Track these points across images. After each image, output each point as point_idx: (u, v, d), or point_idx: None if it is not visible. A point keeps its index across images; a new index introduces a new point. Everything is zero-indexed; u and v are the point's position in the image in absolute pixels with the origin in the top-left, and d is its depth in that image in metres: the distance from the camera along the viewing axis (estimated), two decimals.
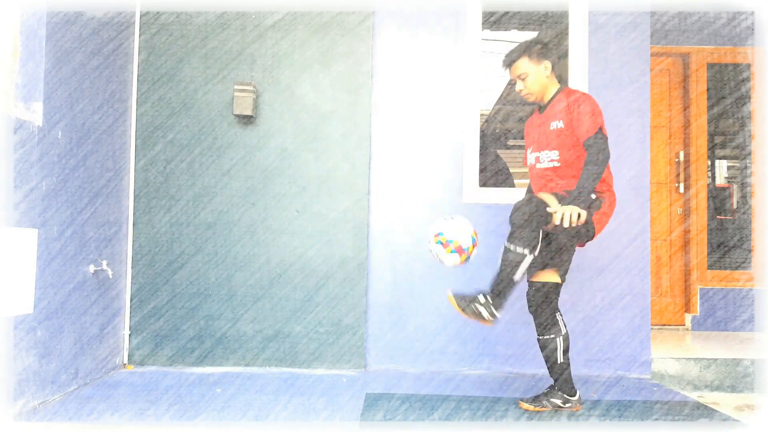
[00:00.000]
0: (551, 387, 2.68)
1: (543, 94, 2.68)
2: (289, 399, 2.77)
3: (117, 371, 3.25)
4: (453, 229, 2.54)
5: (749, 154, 4.68)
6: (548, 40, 2.64)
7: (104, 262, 3.07)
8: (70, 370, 2.78)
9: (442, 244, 2.53)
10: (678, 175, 4.59)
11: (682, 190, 4.57)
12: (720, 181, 4.89)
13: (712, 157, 4.73)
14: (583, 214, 2.34)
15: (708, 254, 4.54)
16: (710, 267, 4.56)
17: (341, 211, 3.43)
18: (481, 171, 4.21)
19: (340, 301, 3.40)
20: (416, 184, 3.49)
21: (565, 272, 2.68)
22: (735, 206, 4.80)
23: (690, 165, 4.56)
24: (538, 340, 2.66)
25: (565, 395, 2.63)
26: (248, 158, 3.43)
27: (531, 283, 2.68)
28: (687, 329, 4.48)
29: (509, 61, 2.67)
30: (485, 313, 2.45)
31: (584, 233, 2.51)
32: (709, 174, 4.67)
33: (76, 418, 2.40)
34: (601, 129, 2.48)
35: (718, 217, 4.72)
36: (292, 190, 3.43)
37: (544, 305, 2.63)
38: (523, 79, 2.65)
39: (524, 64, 2.64)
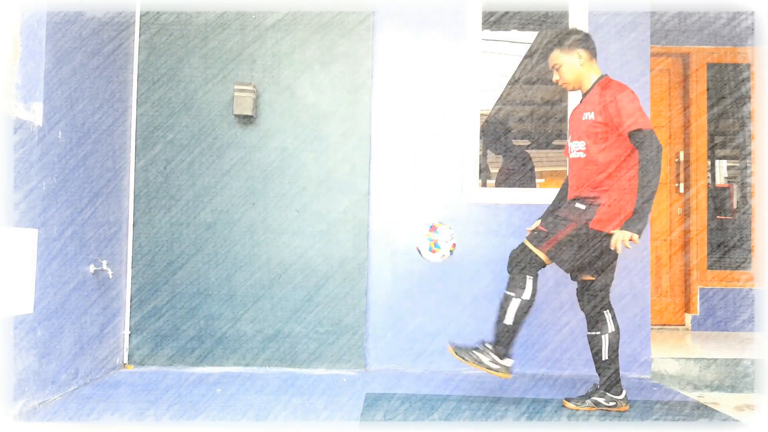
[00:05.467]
0: (595, 386, 2.73)
1: (580, 83, 2.68)
2: (289, 399, 2.77)
3: (117, 371, 3.25)
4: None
5: (749, 154, 4.68)
6: (583, 30, 2.72)
7: (104, 262, 3.06)
8: (70, 370, 2.78)
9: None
10: (678, 175, 4.59)
11: (682, 190, 4.57)
12: (720, 181, 4.89)
13: (712, 157, 4.73)
14: (636, 237, 2.41)
15: (708, 254, 4.55)
16: (710, 267, 4.56)
17: (341, 211, 3.43)
18: (511, 173, 4.26)
19: (340, 301, 3.40)
20: (416, 184, 3.49)
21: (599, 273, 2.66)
22: (735, 206, 4.80)
23: (690, 165, 4.56)
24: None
25: (608, 394, 2.66)
26: (248, 158, 3.43)
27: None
28: (687, 329, 4.48)
29: (546, 53, 2.74)
30: (486, 360, 2.61)
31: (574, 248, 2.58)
32: (709, 174, 4.67)
33: (76, 418, 2.40)
34: (647, 125, 2.45)
35: (718, 217, 4.72)
36: (292, 190, 3.43)
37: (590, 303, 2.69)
38: (557, 70, 2.68)
39: (556, 55, 2.66)
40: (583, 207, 2.56)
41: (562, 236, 2.55)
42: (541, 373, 3.37)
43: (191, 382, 3.04)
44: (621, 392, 2.66)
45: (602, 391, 2.66)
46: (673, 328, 4.50)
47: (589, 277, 2.67)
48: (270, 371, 3.33)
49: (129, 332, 3.37)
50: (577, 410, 2.64)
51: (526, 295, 2.58)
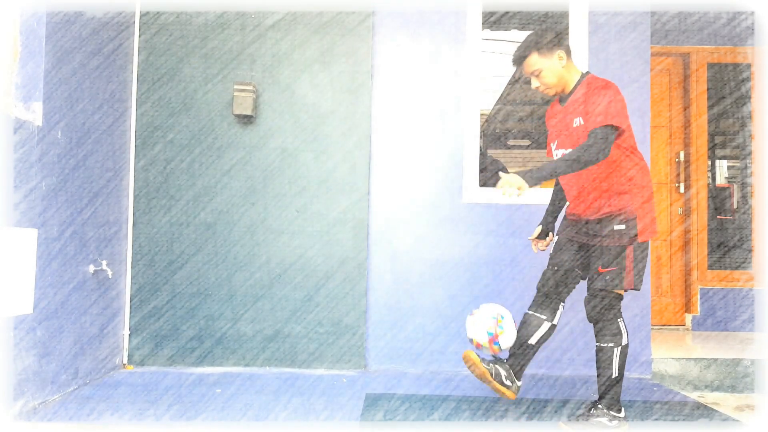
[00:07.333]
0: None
1: (563, 85, 2.48)
2: (289, 399, 2.77)
3: (117, 371, 3.25)
4: (471, 324, 2.60)
5: (749, 154, 4.68)
6: (557, 29, 2.51)
7: (104, 262, 3.06)
8: (70, 370, 2.78)
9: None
10: (678, 175, 4.59)
11: (682, 190, 4.57)
12: (720, 181, 4.89)
13: (712, 157, 4.73)
14: (524, 187, 2.21)
15: (708, 254, 4.54)
16: (710, 267, 4.56)
17: (341, 211, 3.43)
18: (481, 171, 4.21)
19: (340, 301, 3.40)
20: (416, 184, 3.49)
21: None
22: (735, 206, 4.79)
23: (690, 165, 4.56)
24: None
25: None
26: (248, 158, 3.43)
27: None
28: (687, 329, 4.48)
29: (519, 59, 2.47)
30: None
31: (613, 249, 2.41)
32: (709, 174, 4.67)
33: (76, 418, 2.40)
34: (612, 125, 2.26)
35: (718, 217, 4.72)
36: (292, 190, 3.43)
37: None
38: (537, 76, 2.45)
39: (535, 60, 2.43)
40: (623, 227, 2.38)
41: (631, 263, 2.38)
42: (541, 373, 3.37)
43: (191, 383, 3.04)
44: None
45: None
46: (673, 328, 4.50)
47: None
48: (270, 371, 3.33)
49: (129, 332, 3.37)
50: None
51: (626, 338, 2.42)
